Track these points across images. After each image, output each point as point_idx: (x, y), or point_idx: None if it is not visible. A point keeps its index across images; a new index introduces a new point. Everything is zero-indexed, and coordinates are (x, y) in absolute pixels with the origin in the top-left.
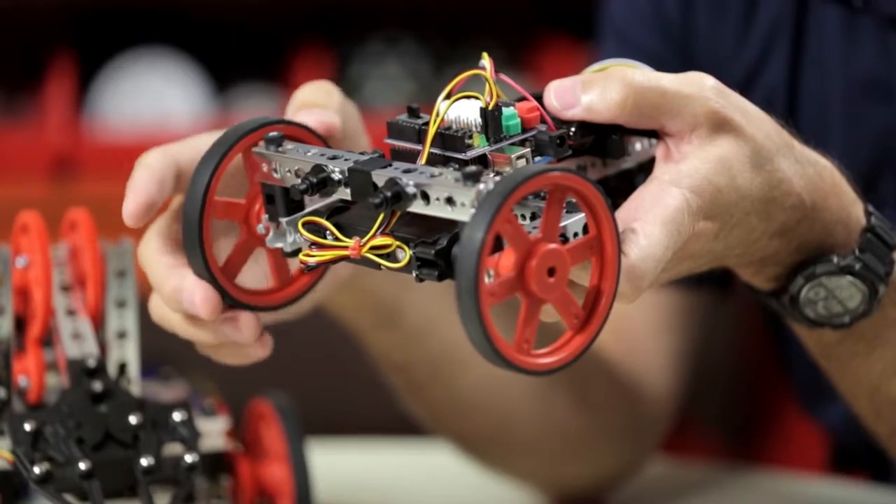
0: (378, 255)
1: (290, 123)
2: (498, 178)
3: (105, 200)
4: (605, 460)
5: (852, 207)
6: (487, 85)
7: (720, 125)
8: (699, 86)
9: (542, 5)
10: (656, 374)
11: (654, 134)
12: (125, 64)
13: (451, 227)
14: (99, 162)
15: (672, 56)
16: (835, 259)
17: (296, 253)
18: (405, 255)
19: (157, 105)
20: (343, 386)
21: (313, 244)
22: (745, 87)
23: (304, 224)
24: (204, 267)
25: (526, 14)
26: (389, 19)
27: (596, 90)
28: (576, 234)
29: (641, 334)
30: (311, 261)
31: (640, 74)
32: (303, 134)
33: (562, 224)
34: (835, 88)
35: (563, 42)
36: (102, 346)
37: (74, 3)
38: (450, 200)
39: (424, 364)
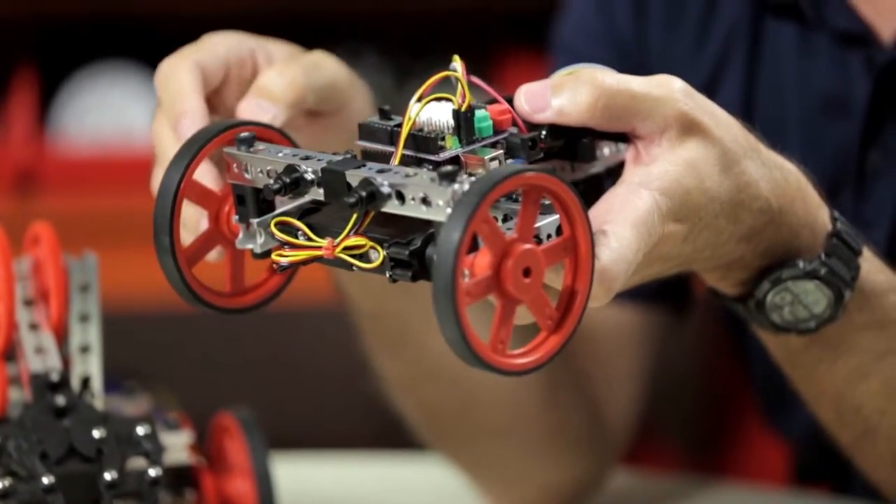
0: (351, 256)
1: (263, 126)
2: (473, 179)
3: (68, 214)
4: (564, 466)
5: (818, 212)
6: (460, 86)
7: (689, 127)
8: (668, 88)
9: (504, 19)
10: (618, 389)
11: (623, 138)
12: (87, 78)
13: (424, 227)
14: (62, 176)
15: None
16: (801, 264)
17: (265, 255)
18: (378, 255)
19: (119, 119)
20: (307, 400)
21: (286, 244)
22: None
23: (275, 224)
24: (175, 268)
25: (488, 28)
26: (351, 33)
27: (566, 93)
28: (549, 236)
29: (606, 349)
30: (284, 261)
31: (609, 77)
32: (274, 136)
33: (535, 226)
34: (790, 106)
35: (525, 56)
36: (65, 361)
37: (36, 17)
38: (425, 200)
39: (395, 317)
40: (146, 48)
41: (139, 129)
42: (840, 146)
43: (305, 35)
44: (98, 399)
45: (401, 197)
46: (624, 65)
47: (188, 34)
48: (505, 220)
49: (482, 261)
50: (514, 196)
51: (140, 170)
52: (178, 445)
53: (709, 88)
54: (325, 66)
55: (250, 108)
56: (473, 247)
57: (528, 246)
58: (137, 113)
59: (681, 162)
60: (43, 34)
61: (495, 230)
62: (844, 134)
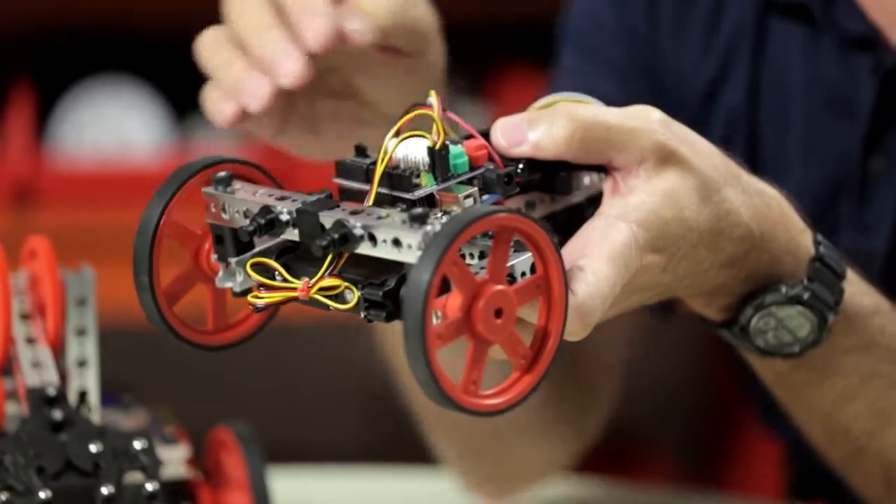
0: (326, 297)
1: (243, 162)
2: (445, 220)
3: (65, 228)
4: (541, 446)
5: (801, 237)
6: (434, 123)
7: (666, 158)
8: (645, 119)
9: (502, 33)
10: (601, 380)
11: (603, 169)
12: (85, 92)
13: (399, 268)
14: (59, 190)
15: (635, 69)
16: (783, 289)
17: (245, 293)
18: (353, 296)
19: (117, 133)
20: (304, 414)
21: (262, 285)
22: (705, 105)
23: (252, 265)
24: (154, 307)
25: (486, 42)
26: None
27: (542, 127)
28: (523, 274)
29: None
30: (260, 302)
31: (585, 110)
32: (254, 173)
33: (509, 264)
34: (795, 106)
35: (523, 70)
36: (62, 375)
37: (34, 31)
38: (396, 242)
39: None
40: (144, 62)
41: (137, 143)
42: (843, 149)
43: None
44: (95, 413)
45: (373, 239)
46: (636, 59)
47: (186, 48)
48: (481, 256)
49: (453, 303)
50: (489, 233)
51: (138, 183)
52: (175, 460)
53: (714, 87)
54: (419, 5)
55: (344, 15)
56: (446, 287)
57: (499, 287)
58: (135, 127)
59: (658, 193)
60: (40, 47)
61: (465, 272)
62: (848, 137)
